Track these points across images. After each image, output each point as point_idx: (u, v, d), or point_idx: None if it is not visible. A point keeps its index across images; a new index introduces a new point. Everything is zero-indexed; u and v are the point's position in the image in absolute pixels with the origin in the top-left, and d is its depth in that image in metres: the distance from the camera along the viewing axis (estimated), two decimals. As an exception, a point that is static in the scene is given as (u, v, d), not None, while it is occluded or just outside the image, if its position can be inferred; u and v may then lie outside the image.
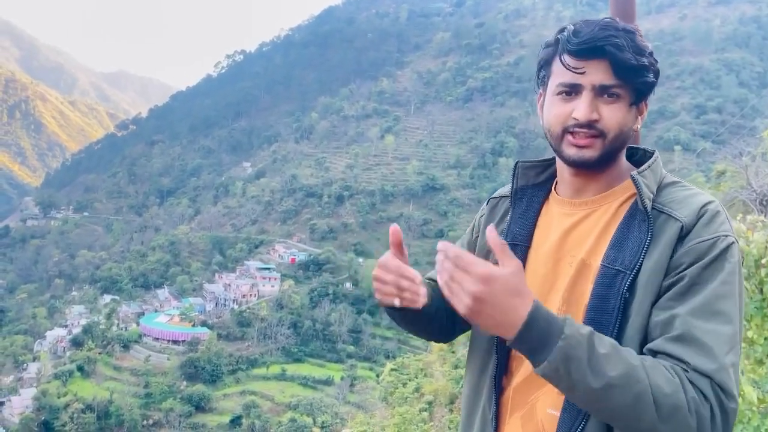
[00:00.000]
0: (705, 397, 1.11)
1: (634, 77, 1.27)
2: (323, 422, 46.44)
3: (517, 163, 1.54)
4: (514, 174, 1.53)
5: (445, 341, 1.70)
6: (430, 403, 20.50)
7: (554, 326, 1.11)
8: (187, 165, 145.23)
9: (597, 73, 1.27)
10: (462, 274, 1.11)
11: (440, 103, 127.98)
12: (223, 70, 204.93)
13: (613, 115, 1.28)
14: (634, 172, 1.31)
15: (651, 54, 1.29)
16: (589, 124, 1.28)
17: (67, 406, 56.47)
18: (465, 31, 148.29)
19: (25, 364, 70.40)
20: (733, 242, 1.23)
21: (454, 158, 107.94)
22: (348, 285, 78.78)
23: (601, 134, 1.29)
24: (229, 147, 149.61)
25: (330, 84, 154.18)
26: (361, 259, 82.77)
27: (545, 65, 1.37)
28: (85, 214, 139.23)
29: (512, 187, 1.54)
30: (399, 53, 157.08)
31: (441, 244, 1.16)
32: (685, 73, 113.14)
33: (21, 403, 59.30)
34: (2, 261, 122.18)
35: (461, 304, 1.12)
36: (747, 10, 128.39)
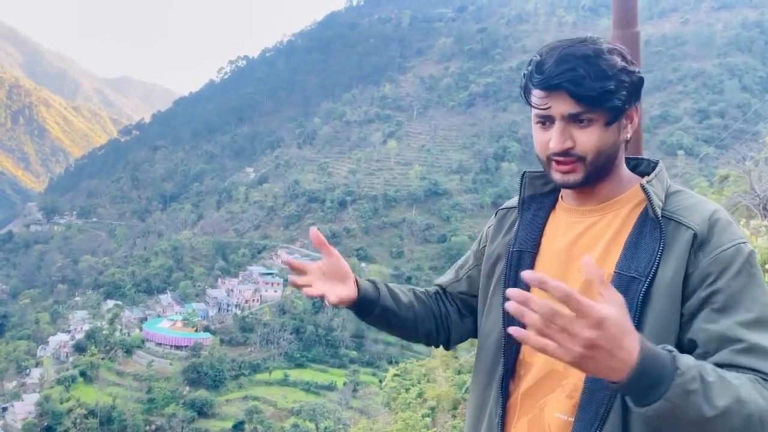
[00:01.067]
0: None
1: (599, 104, 1.26)
2: (326, 428, 46.36)
3: (524, 173, 1.57)
4: (521, 184, 1.56)
5: (446, 348, 1.74)
6: (432, 409, 20.41)
7: (666, 360, 1.03)
8: (190, 170, 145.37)
9: (563, 104, 1.27)
10: (569, 321, 0.96)
11: (443, 108, 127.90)
12: (226, 76, 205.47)
13: (587, 139, 1.29)
14: (644, 181, 1.34)
15: (622, 70, 1.27)
16: (566, 152, 1.30)
17: (69, 411, 56.42)
18: (467, 37, 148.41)
19: (27, 370, 70.48)
20: (752, 249, 1.26)
21: (456, 163, 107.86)
22: (351, 290, 78.50)
23: (579, 158, 1.30)
24: (232, 152, 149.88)
25: (332, 89, 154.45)
26: (363, 264, 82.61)
27: (526, 93, 1.37)
28: (94, 219, 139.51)
29: (520, 196, 1.56)
30: (401, 58, 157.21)
31: (511, 291, 0.98)
32: (687, 77, 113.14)
33: (24, 409, 59.29)
34: (6, 266, 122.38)
35: (569, 353, 0.97)
36: (749, 14, 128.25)
